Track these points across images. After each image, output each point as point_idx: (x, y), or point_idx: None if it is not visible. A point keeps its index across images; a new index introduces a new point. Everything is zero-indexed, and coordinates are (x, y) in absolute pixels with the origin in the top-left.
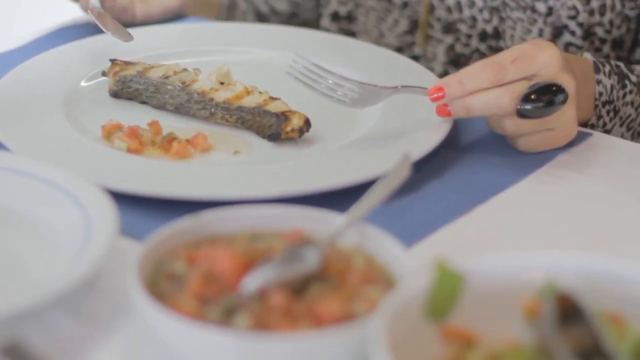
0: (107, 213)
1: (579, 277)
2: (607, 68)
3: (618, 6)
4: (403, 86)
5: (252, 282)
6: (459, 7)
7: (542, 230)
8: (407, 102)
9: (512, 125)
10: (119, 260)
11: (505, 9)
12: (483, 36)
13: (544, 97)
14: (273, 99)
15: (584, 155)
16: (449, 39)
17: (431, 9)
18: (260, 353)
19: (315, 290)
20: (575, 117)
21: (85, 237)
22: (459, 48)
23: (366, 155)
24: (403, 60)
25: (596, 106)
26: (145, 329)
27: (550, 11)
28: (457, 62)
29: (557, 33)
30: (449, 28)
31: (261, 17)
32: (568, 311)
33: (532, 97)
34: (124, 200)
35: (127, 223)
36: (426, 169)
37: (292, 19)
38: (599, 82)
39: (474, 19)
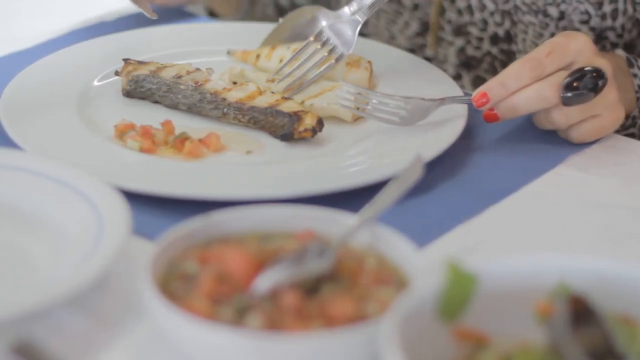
0: (120, 212)
1: (591, 279)
2: None
3: (630, 10)
4: (448, 97)
5: (265, 282)
6: (469, 9)
7: (554, 231)
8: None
9: (561, 116)
10: (131, 259)
11: (517, 12)
12: (494, 39)
13: (585, 82)
14: (285, 99)
15: (596, 156)
16: (459, 42)
17: (442, 11)
18: (272, 353)
19: (327, 290)
20: (618, 99)
21: (97, 237)
22: (470, 51)
23: (379, 155)
24: (413, 58)
25: (638, 99)
26: (156, 329)
27: (562, 15)
28: (468, 64)
29: None
30: (460, 30)
31: (281, 10)
32: (580, 312)
33: (574, 84)
34: (136, 199)
35: (139, 222)
36: (438, 169)
37: None
38: (634, 75)
39: (484, 21)
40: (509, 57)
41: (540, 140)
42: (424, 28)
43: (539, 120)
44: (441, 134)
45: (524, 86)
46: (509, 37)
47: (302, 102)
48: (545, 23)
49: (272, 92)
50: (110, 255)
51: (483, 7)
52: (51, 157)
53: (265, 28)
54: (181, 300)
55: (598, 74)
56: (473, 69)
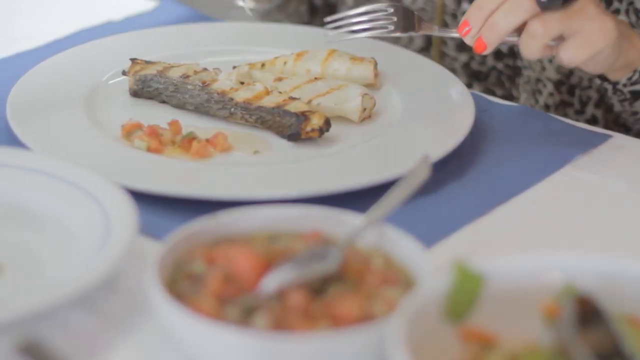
0: (127, 212)
1: (598, 279)
2: None
3: (633, 19)
4: (440, 28)
5: (272, 282)
6: None
7: (561, 231)
8: (427, 102)
9: (540, 26)
10: (138, 259)
11: None
12: (498, 55)
13: None
14: (292, 99)
15: (603, 157)
16: (463, 57)
17: (444, 26)
18: (279, 353)
19: (334, 290)
20: (601, 12)
21: (104, 237)
22: (475, 65)
23: (386, 155)
24: (416, 56)
25: None
26: (163, 329)
27: None
28: (477, 77)
29: None
30: (463, 46)
31: (314, 9)
32: (587, 313)
33: None
34: (144, 199)
35: (146, 222)
36: (446, 170)
37: None
38: None
39: None
40: (514, 72)
41: (548, 141)
42: (428, 43)
43: (524, 44)
44: (448, 134)
45: (500, 3)
46: (513, 53)
47: (309, 102)
48: None
49: (279, 92)
50: (117, 255)
51: None
52: (58, 156)
53: (271, 28)
54: (188, 300)
55: None
56: (481, 82)
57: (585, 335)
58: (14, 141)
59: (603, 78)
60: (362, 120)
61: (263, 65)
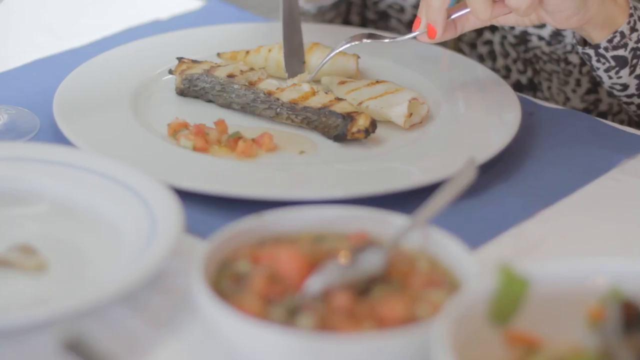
0: (172, 211)
1: None
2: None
3: None
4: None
5: (316, 283)
6: (492, 55)
7: (607, 235)
8: (473, 104)
9: None
10: (184, 258)
11: (538, 61)
12: (518, 87)
13: None
14: (339, 99)
15: None
16: None
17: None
18: (323, 353)
19: (378, 292)
20: None
21: (150, 235)
22: None
23: (432, 157)
24: (460, 57)
25: (631, 14)
26: (208, 327)
27: (584, 61)
28: None
29: (596, 82)
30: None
31: (365, 21)
32: (632, 317)
33: None
34: (189, 198)
35: (191, 221)
36: (492, 172)
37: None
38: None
39: (507, 68)
40: None
41: (594, 145)
42: None
43: (471, 4)
44: (494, 136)
45: None
46: (533, 86)
47: (360, 103)
48: (569, 70)
49: (325, 93)
50: (163, 253)
51: (506, 54)
52: (104, 154)
53: (314, 28)
54: (233, 299)
55: None
56: None
57: (630, 339)
58: (60, 139)
59: (584, 42)
60: (411, 126)
61: (247, 52)
